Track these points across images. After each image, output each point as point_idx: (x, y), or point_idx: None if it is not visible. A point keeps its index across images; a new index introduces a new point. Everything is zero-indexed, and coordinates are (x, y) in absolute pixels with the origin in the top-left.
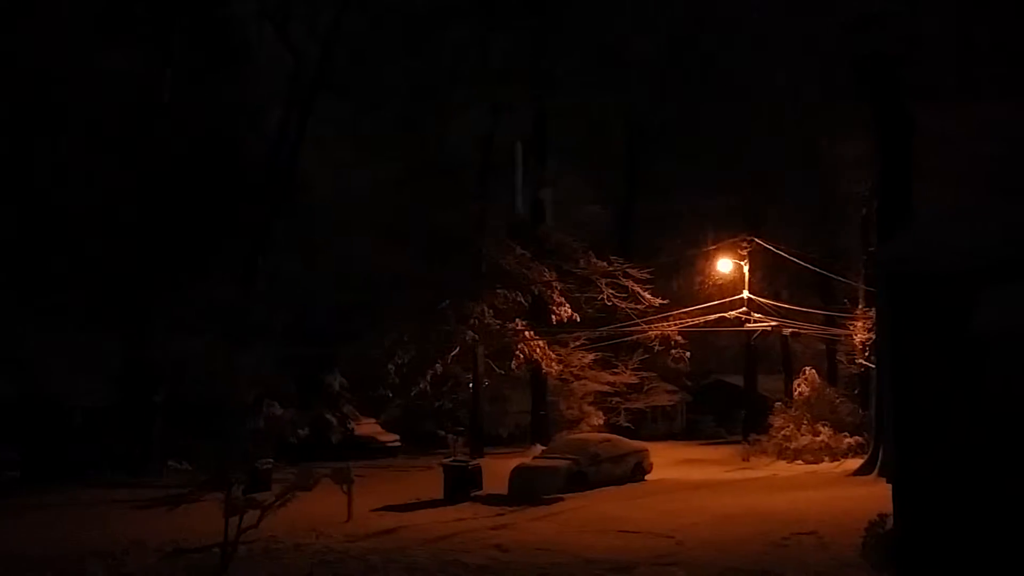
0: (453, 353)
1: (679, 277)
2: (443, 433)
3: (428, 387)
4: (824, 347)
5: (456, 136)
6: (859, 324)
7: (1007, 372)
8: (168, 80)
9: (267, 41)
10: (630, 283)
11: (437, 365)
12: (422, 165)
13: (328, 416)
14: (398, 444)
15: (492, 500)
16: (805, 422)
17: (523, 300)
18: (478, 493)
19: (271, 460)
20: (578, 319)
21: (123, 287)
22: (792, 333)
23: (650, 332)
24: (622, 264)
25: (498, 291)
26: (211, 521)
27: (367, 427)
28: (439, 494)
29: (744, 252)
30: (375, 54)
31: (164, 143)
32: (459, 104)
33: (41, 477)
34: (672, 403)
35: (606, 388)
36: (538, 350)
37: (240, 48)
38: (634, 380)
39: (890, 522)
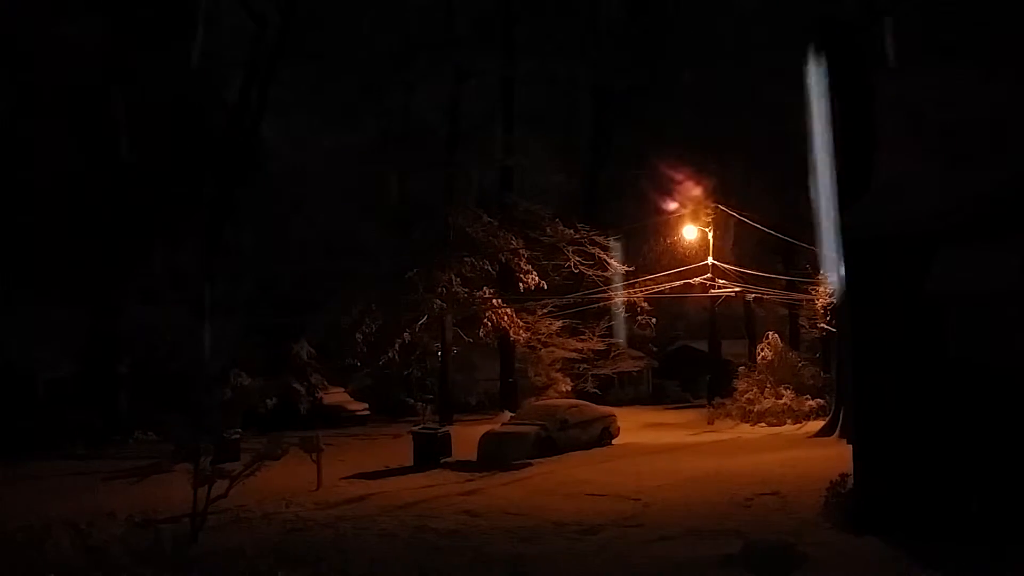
0: (421, 322)
1: (645, 244)
2: (412, 401)
3: (396, 356)
4: (787, 312)
5: (422, 104)
6: (820, 289)
7: (959, 332)
8: (127, 48)
9: (228, 7)
10: (596, 250)
11: (405, 334)
12: (388, 133)
13: (296, 386)
14: (367, 413)
15: (461, 466)
16: (768, 385)
17: (490, 268)
18: (447, 460)
19: (239, 430)
20: (545, 287)
21: (87, 258)
22: (755, 298)
23: (616, 299)
24: (589, 232)
25: (465, 259)
26: (180, 491)
27: (335, 396)
28: (409, 461)
29: (709, 219)
30: (339, 20)
31: (125, 112)
32: (425, 72)
33: (4, 449)
34: (638, 369)
35: (573, 355)
36: (506, 318)
37: (200, 14)
38: (601, 346)
39: (850, 482)
